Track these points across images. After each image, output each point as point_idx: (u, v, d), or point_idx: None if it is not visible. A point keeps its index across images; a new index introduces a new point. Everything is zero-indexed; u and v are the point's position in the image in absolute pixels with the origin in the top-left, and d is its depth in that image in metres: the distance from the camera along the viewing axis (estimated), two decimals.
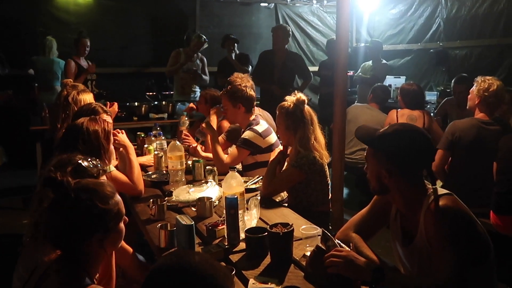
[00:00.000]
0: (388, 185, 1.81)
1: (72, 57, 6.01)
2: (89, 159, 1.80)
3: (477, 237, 1.75)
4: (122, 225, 1.63)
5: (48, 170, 1.65)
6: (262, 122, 3.47)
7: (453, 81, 4.93)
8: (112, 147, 2.47)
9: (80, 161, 1.71)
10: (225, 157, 3.30)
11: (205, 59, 6.51)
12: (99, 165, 1.82)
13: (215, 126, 3.87)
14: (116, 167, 2.74)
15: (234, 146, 3.42)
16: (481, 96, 3.43)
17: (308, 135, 2.85)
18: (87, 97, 3.26)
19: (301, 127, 2.87)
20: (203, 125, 3.54)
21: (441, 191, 1.82)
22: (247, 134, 3.33)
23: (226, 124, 4.03)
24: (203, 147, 3.76)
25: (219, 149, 3.33)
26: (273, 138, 3.36)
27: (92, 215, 1.51)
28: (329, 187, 3.03)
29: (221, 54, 6.77)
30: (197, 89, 6.44)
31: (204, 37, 6.31)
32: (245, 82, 3.47)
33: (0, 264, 3.92)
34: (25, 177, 5.81)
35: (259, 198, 2.37)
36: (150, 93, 6.90)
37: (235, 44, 6.55)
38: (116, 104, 3.97)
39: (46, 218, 1.56)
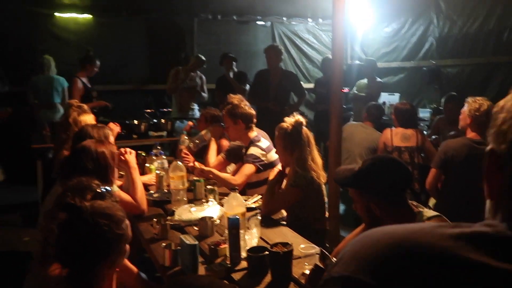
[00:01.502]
0: (380, 216, 1.91)
1: (78, 76, 6.02)
2: (104, 186, 1.89)
3: None
4: (127, 246, 1.72)
5: (65, 195, 1.72)
6: (263, 139, 3.58)
7: (443, 99, 5.08)
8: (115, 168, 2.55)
9: (98, 190, 1.80)
10: (235, 179, 3.32)
11: (203, 76, 6.63)
12: (112, 195, 1.91)
13: (215, 149, 3.97)
14: (120, 187, 2.83)
15: (244, 164, 3.47)
16: (472, 116, 3.55)
17: (305, 156, 2.95)
18: (88, 118, 3.35)
19: (298, 148, 2.97)
20: (203, 132, 3.67)
21: (431, 213, 1.92)
22: (252, 150, 3.45)
23: (225, 143, 4.13)
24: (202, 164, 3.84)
25: (226, 178, 3.38)
26: (274, 155, 3.46)
27: (106, 239, 1.59)
28: (326, 205, 3.13)
29: (219, 72, 6.88)
30: (195, 106, 6.56)
31: (202, 57, 6.45)
32: (242, 101, 3.61)
33: (1, 281, 4.00)
34: (24, 194, 5.87)
35: (259, 217, 2.45)
36: (149, 110, 6.99)
37: (233, 63, 6.67)
38: (118, 125, 4.07)
39: (59, 239, 1.64)
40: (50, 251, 1.75)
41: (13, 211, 5.50)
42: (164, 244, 2.20)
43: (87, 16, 7.33)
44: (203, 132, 3.93)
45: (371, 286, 0.56)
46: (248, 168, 3.39)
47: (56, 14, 7.14)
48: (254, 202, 3.09)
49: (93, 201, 1.70)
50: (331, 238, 3.19)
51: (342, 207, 5.25)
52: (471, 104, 3.56)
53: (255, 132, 3.62)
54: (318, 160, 3.02)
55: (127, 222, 1.70)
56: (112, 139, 2.94)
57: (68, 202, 1.69)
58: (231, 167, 4.03)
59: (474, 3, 6.32)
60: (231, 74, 6.61)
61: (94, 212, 1.62)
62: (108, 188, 1.93)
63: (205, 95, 6.59)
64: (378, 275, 0.56)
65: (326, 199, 3.12)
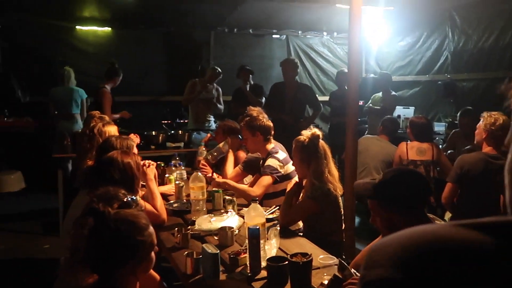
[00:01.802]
0: (400, 227, 1.95)
1: (105, 87, 6.12)
2: (130, 196, 1.96)
3: None
4: (153, 254, 1.78)
5: (92, 201, 1.81)
6: (280, 151, 3.64)
7: (458, 114, 5.10)
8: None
9: (125, 199, 1.87)
10: (254, 191, 3.36)
11: (220, 88, 6.74)
12: (138, 204, 1.98)
13: (232, 157, 4.04)
14: (142, 197, 2.90)
15: (262, 176, 3.51)
16: (488, 131, 3.58)
17: (322, 169, 3.01)
18: (112, 129, 3.44)
19: (314, 160, 3.02)
20: (221, 145, 3.73)
21: None
22: (270, 161, 3.50)
23: (242, 155, 4.19)
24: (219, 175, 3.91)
25: (245, 189, 3.44)
26: (291, 167, 3.51)
27: (128, 245, 1.67)
28: (342, 217, 3.17)
29: (234, 84, 6.99)
30: (211, 118, 6.66)
31: (218, 69, 6.56)
32: (261, 113, 3.68)
33: None
34: (44, 202, 5.99)
35: (278, 228, 2.51)
36: (165, 121, 7.10)
37: (250, 75, 6.75)
38: (138, 136, 4.16)
39: (86, 244, 1.71)
40: (78, 257, 1.82)
41: (34, 219, 5.60)
42: (186, 252, 2.26)
43: (107, 29, 7.52)
44: (220, 145, 4.01)
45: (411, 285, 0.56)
46: (266, 180, 3.44)
47: (77, 27, 7.32)
48: (271, 213, 3.14)
49: (118, 209, 1.78)
50: (347, 250, 3.22)
51: (356, 220, 5.30)
52: (487, 119, 3.59)
53: (272, 144, 3.69)
54: (335, 172, 3.07)
55: (151, 230, 1.76)
56: (135, 149, 3.03)
57: (93, 207, 1.77)
58: (248, 179, 4.09)
59: (489, 18, 6.35)
60: (247, 87, 6.69)
61: (117, 218, 1.70)
62: (134, 197, 2.01)
63: (221, 107, 6.68)
64: (416, 273, 0.57)
65: (342, 211, 3.15)
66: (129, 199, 1.94)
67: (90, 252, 1.70)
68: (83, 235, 1.75)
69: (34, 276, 4.23)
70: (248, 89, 6.64)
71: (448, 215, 3.93)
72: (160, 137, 5.70)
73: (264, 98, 6.62)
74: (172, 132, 6.06)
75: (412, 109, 7.38)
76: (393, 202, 1.97)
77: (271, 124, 3.69)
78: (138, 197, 2.62)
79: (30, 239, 5.02)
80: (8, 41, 6.94)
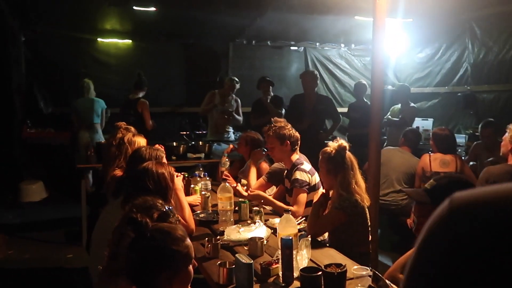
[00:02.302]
0: None
1: (141, 97, 6.29)
2: (168, 206, 1.99)
3: None
4: (190, 268, 1.78)
5: (131, 211, 1.84)
6: (305, 162, 3.65)
7: (480, 125, 5.07)
8: None
9: (163, 209, 1.90)
10: (298, 211, 3.35)
11: (239, 100, 6.79)
12: (175, 214, 2.01)
13: (255, 168, 4.06)
14: None
15: (298, 193, 3.49)
16: None
17: (349, 179, 3.01)
18: (141, 141, 3.48)
19: (341, 171, 3.03)
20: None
21: None
22: (298, 174, 3.50)
23: (265, 166, 4.21)
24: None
25: (283, 207, 3.41)
26: (317, 177, 3.52)
27: (163, 254, 1.69)
28: (369, 228, 3.16)
29: (253, 95, 7.02)
30: (230, 129, 6.70)
31: (236, 79, 6.63)
32: (288, 124, 3.71)
33: None
34: (67, 212, 6.05)
35: (310, 239, 2.52)
36: (184, 132, 7.16)
37: (270, 87, 6.78)
38: (163, 147, 4.20)
39: (124, 253, 1.74)
40: (116, 266, 1.85)
41: (57, 228, 5.66)
42: (219, 262, 2.28)
43: (128, 41, 7.63)
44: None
45: None
46: (303, 196, 3.45)
47: (99, 39, 7.45)
48: (298, 224, 3.14)
49: (157, 219, 1.82)
50: (371, 261, 3.22)
51: (378, 232, 5.28)
52: None
53: (297, 155, 3.69)
54: (362, 183, 3.07)
55: (188, 242, 1.77)
56: (164, 160, 3.06)
57: (132, 217, 1.80)
58: (271, 189, 4.10)
59: (510, 30, 6.34)
60: (268, 98, 6.72)
61: (154, 228, 1.73)
62: (170, 207, 2.04)
63: (240, 118, 6.72)
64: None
65: (369, 223, 3.15)
66: (167, 209, 1.97)
67: (127, 261, 1.73)
68: (122, 244, 1.78)
69: (60, 286, 4.28)
70: (268, 101, 6.67)
71: None
72: (181, 148, 5.74)
73: (283, 110, 6.65)
74: (193, 143, 6.10)
75: (430, 120, 7.35)
76: None
77: (299, 135, 3.70)
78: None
79: (54, 249, 5.06)
80: (32, 53, 7.07)
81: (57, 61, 7.14)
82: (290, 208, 3.36)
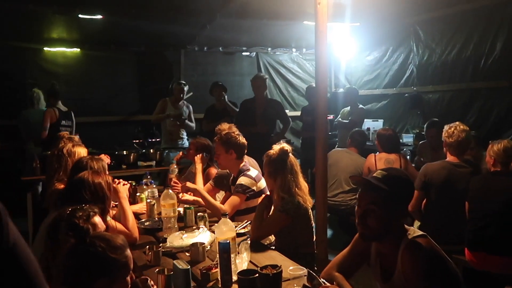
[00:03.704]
0: (393, 225, 1.99)
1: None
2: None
3: (449, 274, 1.94)
4: (128, 279, 1.77)
5: (73, 217, 1.82)
6: (252, 168, 3.67)
7: (425, 125, 5.25)
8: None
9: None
10: (225, 209, 3.35)
11: (190, 106, 6.77)
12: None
13: (200, 173, 4.07)
14: (113, 216, 2.90)
15: (232, 195, 3.53)
16: (446, 141, 3.73)
17: (289, 182, 3.04)
18: (82, 151, 3.43)
19: (280, 174, 3.07)
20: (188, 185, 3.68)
21: (417, 232, 2.02)
22: (243, 180, 3.50)
23: (213, 171, 4.22)
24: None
25: (215, 205, 3.44)
26: (263, 183, 3.54)
27: (101, 261, 1.67)
28: (313, 229, 3.22)
29: (206, 102, 7.01)
30: (185, 136, 6.67)
31: (183, 82, 6.67)
32: (237, 130, 3.72)
33: None
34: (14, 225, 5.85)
35: (249, 242, 2.53)
36: (137, 141, 7.08)
37: (223, 92, 6.77)
38: (108, 156, 4.16)
39: (62, 260, 1.71)
40: (50, 274, 1.82)
41: None
42: (157, 269, 2.26)
43: (75, 50, 7.48)
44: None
45: None
46: (237, 199, 3.45)
47: (45, 48, 7.28)
48: (243, 228, 3.17)
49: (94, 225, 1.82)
50: (320, 261, 3.26)
51: (329, 232, 5.36)
52: (447, 131, 3.75)
53: (244, 161, 3.70)
54: (304, 185, 3.12)
55: (128, 253, 1.76)
56: (107, 171, 3.03)
57: (73, 222, 1.80)
58: (220, 195, 4.11)
59: (451, 32, 6.57)
60: (224, 102, 6.71)
61: (94, 234, 1.72)
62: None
63: (192, 124, 6.70)
64: None
65: (313, 224, 3.20)
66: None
67: (64, 268, 1.70)
68: (59, 251, 1.75)
69: None
70: (224, 104, 6.66)
71: (416, 224, 4.02)
72: (132, 157, 5.68)
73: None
74: (144, 151, 6.05)
75: (381, 121, 7.54)
76: (403, 196, 2.05)
77: (246, 143, 3.70)
78: (108, 217, 2.64)
79: None
80: None
81: (3, 72, 6.92)
82: (221, 207, 3.39)
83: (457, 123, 3.76)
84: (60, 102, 6.44)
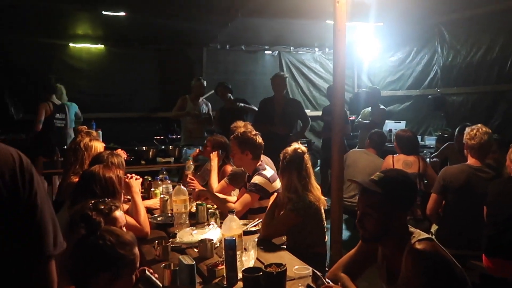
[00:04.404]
0: (392, 228, 1.96)
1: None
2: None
3: (454, 280, 1.89)
4: (133, 277, 1.76)
5: (87, 208, 1.86)
6: (267, 167, 3.64)
7: (457, 129, 5.01)
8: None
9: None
10: (235, 207, 3.34)
11: (210, 104, 6.80)
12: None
13: (215, 170, 4.07)
14: (126, 211, 2.92)
15: (245, 193, 3.51)
16: (466, 143, 3.64)
17: (295, 183, 3.01)
18: (98, 145, 3.47)
19: (287, 174, 3.04)
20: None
21: (423, 235, 1.98)
22: (257, 179, 3.47)
23: (228, 169, 4.22)
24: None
25: (226, 204, 3.43)
26: (278, 183, 3.47)
27: (108, 255, 1.67)
28: (325, 230, 3.18)
29: None
30: (205, 134, 6.69)
31: (201, 78, 6.69)
32: (253, 130, 3.68)
33: None
34: None
35: (256, 240, 2.53)
36: (158, 137, 7.14)
37: (228, 94, 6.74)
38: (125, 152, 4.20)
39: (70, 250, 1.71)
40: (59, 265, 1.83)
41: None
42: (163, 264, 2.27)
43: (100, 46, 7.59)
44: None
45: None
46: (249, 197, 3.43)
47: (70, 44, 7.40)
48: (254, 226, 3.15)
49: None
50: (333, 262, 3.22)
51: (346, 234, 5.31)
52: (468, 133, 3.64)
53: (260, 161, 3.65)
54: (316, 186, 3.09)
55: (136, 251, 1.76)
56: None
57: (86, 213, 1.81)
58: (236, 192, 4.11)
59: (477, 34, 6.43)
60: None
61: (105, 228, 1.72)
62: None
63: (211, 122, 6.76)
64: None
65: (325, 224, 3.17)
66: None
67: (71, 259, 1.70)
68: (69, 241, 1.76)
69: None
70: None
71: (434, 227, 3.95)
72: (151, 152, 5.72)
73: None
74: (163, 147, 6.08)
75: (403, 123, 7.43)
76: (401, 199, 1.99)
77: (262, 143, 3.65)
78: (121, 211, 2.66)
79: None
80: (2, 58, 6.99)
81: (28, 67, 7.05)
82: (231, 205, 3.38)
83: (479, 125, 3.66)
84: (54, 96, 6.49)
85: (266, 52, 8.61)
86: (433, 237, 2.79)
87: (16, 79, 6.99)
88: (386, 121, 7.12)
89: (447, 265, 1.89)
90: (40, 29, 6.79)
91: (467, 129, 3.68)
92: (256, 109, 6.51)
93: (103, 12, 5.99)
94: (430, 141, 6.92)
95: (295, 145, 3.15)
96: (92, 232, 1.69)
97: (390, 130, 7.14)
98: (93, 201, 2.06)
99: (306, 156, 3.10)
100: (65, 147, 5.94)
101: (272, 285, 2.05)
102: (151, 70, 7.99)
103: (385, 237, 1.97)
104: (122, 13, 6.07)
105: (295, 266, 2.22)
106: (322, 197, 3.11)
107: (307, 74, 8.92)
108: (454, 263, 1.92)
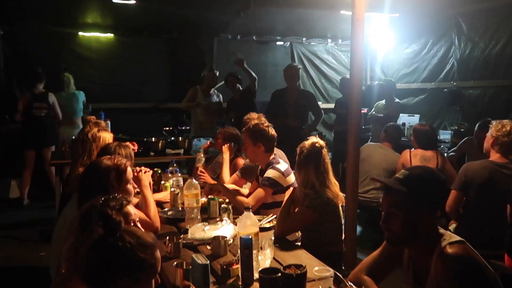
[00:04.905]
0: (419, 229, 1.83)
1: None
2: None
3: (486, 286, 1.76)
4: (153, 282, 1.62)
5: (106, 206, 1.75)
6: (281, 161, 3.52)
7: (477, 124, 4.85)
8: (130, 185, 2.53)
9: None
10: (248, 202, 3.21)
11: (221, 95, 6.68)
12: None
13: (227, 163, 3.96)
14: (136, 204, 2.81)
15: (258, 187, 3.39)
16: (495, 137, 3.47)
17: (312, 178, 2.88)
18: (107, 136, 3.36)
19: (303, 169, 2.92)
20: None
21: (454, 237, 1.85)
22: (271, 173, 3.35)
23: (240, 162, 4.11)
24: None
25: (239, 199, 3.29)
26: (292, 177, 3.36)
27: (128, 258, 1.53)
28: (342, 227, 3.06)
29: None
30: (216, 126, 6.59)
31: (214, 70, 6.55)
32: (266, 121, 3.55)
33: None
34: (42, 210, 5.94)
35: (273, 238, 2.41)
36: (167, 128, 7.04)
37: (237, 84, 6.63)
38: (135, 143, 4.10)
39: (85, 251, 1.59)
40: (72, 266, 1.70)
41: (33, 227, 5.52)
42: (176, 263, 2.16)
43: (109, 35, 7.49)
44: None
45: None
46: (262, 192, 3.30)
47: (80, 33, 7.31)
48: (268, 222, 3.04)
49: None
50: (348, 261, 3.11)
51: (358, 230, 5.19)
52: (496, 126, 3.47)
53: (273, 154, 3.53)
54: (334, 181, 2.97)
55: (157, 254, 1.62)
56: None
57: (105, 212, 1.70)
58: (248, 186, 3.99)
59: (496, 26, 6.26)
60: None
61: (125, 228, 1.60)
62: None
63: (222, 113, 6.65)
64: None
65: (342, 221, 3.05)
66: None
67: (87, 261, 1.58)
68: (85, 241, 1.63)
69: (28, 284, 4.16)
70: (238, 95, 6.56)
71: (453, 225, 3.81)
72: (160, 144, 5.60)
73: (254, 101, 6.54)
74: (172, 138, 5.97)
75: (417, 117, 7.27)
76: (427, 198, 1.84)
77: (275, 135, 3.52)
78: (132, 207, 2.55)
79: (29, 247, 4.95)
80: (11, 47, 6.92)
81: (37, 56, 6.97)
82: (244, 199, 3.26)
83: (507, 121, 3.51)
84: (38, 85, 6.40)
85: (278, 43, 8.48)
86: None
87: (25, 68, 6.90)
88: (400, 115, 6.96)
89: (480, 270, 1.76)
90: (49, 18, 6.72)
91: (497, 125, 3.50)
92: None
93: (113, 0, 5.88)
94: (445, 135, 6.76)
95: (313, 139, 3.02)
96: (111, 232, 1.56)
97: (404, 124, 6.99)
98: (103, 198, 1.93)
99: (324, 151, 2.98)
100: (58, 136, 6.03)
101: (291, 287, 1.93)
102: (160, 60, 7.90)
103: (412, 240, 1.84)
104: (132, 1, 5.97)
105: (315, 267, 2.11)
106: (341, 194, 2.99)
107: (319, 65, 8.78)
108: (486, 267, 1.80)
